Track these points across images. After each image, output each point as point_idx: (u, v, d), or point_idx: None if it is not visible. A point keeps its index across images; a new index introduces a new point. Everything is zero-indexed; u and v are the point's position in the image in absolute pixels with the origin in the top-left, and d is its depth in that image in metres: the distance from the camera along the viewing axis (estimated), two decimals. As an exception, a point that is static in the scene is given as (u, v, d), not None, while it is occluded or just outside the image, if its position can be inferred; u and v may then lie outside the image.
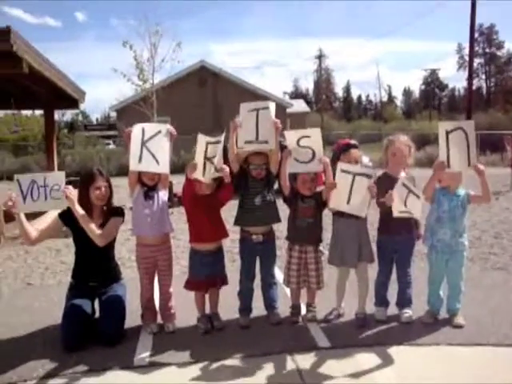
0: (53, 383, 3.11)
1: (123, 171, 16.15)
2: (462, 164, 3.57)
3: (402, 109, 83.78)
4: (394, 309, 3.97)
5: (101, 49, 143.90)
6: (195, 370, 3.23)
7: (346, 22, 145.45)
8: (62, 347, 3.51)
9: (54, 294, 4.63)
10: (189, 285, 3.83)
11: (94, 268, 3.78)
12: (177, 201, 8.62)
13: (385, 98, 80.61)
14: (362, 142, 4.21)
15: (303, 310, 4.02)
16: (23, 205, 3.53)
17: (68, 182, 3.73)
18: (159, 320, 3.92)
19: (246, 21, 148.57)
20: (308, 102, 53.75)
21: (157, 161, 3.60)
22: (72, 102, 11.02)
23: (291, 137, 3.75)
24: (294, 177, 3.81)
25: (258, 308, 4.02)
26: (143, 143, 3.60)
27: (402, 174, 3.84)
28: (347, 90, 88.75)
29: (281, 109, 21.77)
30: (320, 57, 67.30)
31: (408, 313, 3.87)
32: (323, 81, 71.34)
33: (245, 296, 3.95)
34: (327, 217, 3.96)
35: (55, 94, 10.07)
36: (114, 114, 31.02)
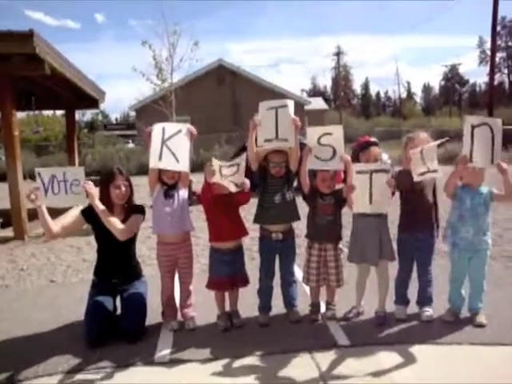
0: (77, 378, 3.18)
1: (143, 170, 16.34)
2: (485, 160, 3.51)
3: (422, 105, 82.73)
4: (415, 307, 3.94)
5: (120, 49, 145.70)
6: (215, 367, 3.26)
7: (365, 18, 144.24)
8: (85, 343, 3.58)
9: (76, 291, 4.71)
10: (211, 284, 3.85)
11: (115, 265, 3.84)
12: (195, 199, 8.70)
13: (404, 95, 79.69)
14: (381, 139, 4.18)
15: (323, 308, 4.01)
16: (45, 198, 3.61)
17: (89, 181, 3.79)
18: (179, 317, 3.95)
19: (262, 19, 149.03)
20: (326, 100, 53.45)
21: (177, 159, 3.64)
22: (92, 102, 11.21)
23: (313, 133, 3.74)
24: (313, 174, 3.80)
25: (278, 306, 4.03)
26: (163, 142, 3.63)
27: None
28: (366, 86, 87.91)
29: (299, 106, 21.72)
30: (338, 54, 66.91)
31: (428, 311, 3.84)
32: (341, 78, 70.79)
33: (264, 294, 3.96)
34: (346, 215, 3.95)
35: (76, 95, 10.25)
36: (133, 114, 31.31)
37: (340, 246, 3.92)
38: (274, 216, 3.82)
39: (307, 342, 3.55)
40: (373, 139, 4.01)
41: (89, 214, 3.75)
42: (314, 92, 78.38)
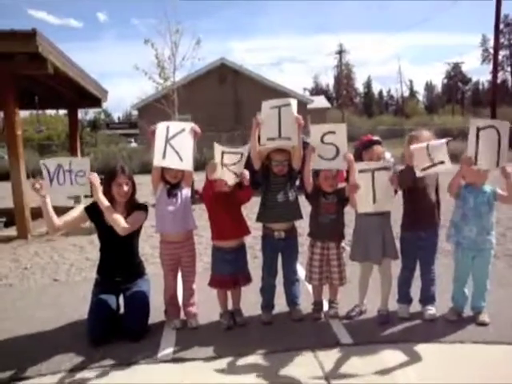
0: (80, 376, 3.19)
1: (145, 169, 16.35)
2: (491, 163, 3.49)
3: (424, 103, 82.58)
4: (417, 306, 3.94)
5: (122, 47, 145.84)
6: (218, 365, 3.26)
7: (367, 16, 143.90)
8: (88, 341, 3.59)
9: (80, 290, 4.73)
10: (213, 282, 3.86)
11: (118, 264, 3.85)
12: (198, 198, 8.71)
13: (406, 93, 79.57)
14: (384, 138, 4.17)
15: (325, 307, 4.01)
16: (50, 188, 3.62)
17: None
18: (182, 316, 3.96)
19: (264, 18, 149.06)
20: (329, 98, 53.38)
21: (180, 158, 3.64)
22: (95, 101, 11.22)
23: (317, 131, 3.73)
24: (315, 173, 3.80)
25: (280, 304, 4.03)
26: (167, 140, 3.64)
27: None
28: (368, 85, 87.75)
29: (301, 105, 21.59)
30: (340, 52, 66.72)
31: (431, 310, 3.83)
32: (344, 76, 70.67)
33: (267, 292, 3.97)
34: (349, 213, 3.95)
35: (78, 94, 10.26)
36: (135, 113, 31.31)
37: (343, 244, 3.92)
38: (276, 214, 3.82)
39: (310, 340, 3.55)
40: (376, 138, 4.00)
41: (92, 211, 3.76)
42: (317, 90, 78.27)
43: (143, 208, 3.84)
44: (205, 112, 21.33)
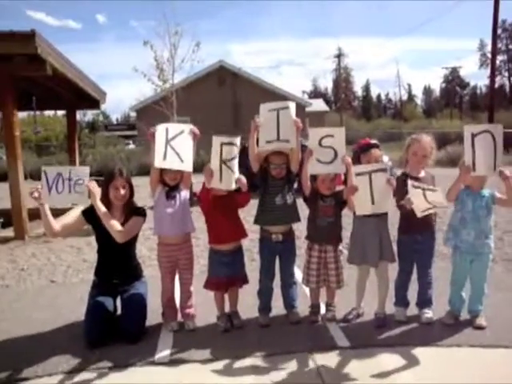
0: (77, 378, 3.18)
1: (143, 171, 16.34)
2: (488, 168, 3.49)
3: (423, 107, 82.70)
4: (414, 309, 3.95)
5: (121, 49, 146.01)
6: (215, 367, 3.26)
7: (366, 20, 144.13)
8: (85, 343, 3.58)
9: (77, 292, 4.71)
10: (209, 284, 3.86)
11: (116, 266, 3.84)
12: (196, 200, 8.70)
13: (405, 97, 79.82)
14: (382, 141, 4.17)
15: (322, 310, 4.02)
16: (48, 196, 3.61)
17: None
18: (179, 318, 3.96)
19: (263, 21, 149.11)
20: (327, 102, 53.48)
21: (181, 159, 3.65)
22: (93, 103, 11.22)
23: (315, 135, 3.72)
24: (313, 176, 3.80)
25: (278, 307, 4.03)
26: (167, 142, 3.64)
27: (422, 174, 3.81)
28: (366, 88, 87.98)
29: (300, 108, 21.66)
30: (339, 56, 66.85)
31: (428, 313, 3.84)
32: (342, 80, 70.81)
33: (264, 295, 3.97)
34: (346, 216, 3.95)
35: (77, 95, 10.26)
36: (133, 115, 31.29)
37: (340, 247, 3.93)
38: (274, 217, 3.82)
39: (307, 343, 3.55)
40: (374, 141, 4.01)
41: (89, 214, 3.76)
42: (315, 94, 78.44)
43: (141, 213, 3.83)
44: (203, 114, 21.31)
